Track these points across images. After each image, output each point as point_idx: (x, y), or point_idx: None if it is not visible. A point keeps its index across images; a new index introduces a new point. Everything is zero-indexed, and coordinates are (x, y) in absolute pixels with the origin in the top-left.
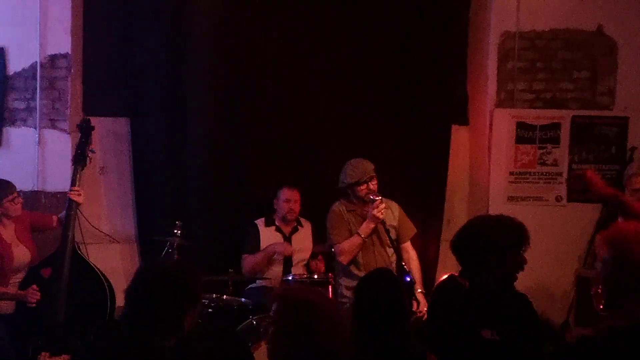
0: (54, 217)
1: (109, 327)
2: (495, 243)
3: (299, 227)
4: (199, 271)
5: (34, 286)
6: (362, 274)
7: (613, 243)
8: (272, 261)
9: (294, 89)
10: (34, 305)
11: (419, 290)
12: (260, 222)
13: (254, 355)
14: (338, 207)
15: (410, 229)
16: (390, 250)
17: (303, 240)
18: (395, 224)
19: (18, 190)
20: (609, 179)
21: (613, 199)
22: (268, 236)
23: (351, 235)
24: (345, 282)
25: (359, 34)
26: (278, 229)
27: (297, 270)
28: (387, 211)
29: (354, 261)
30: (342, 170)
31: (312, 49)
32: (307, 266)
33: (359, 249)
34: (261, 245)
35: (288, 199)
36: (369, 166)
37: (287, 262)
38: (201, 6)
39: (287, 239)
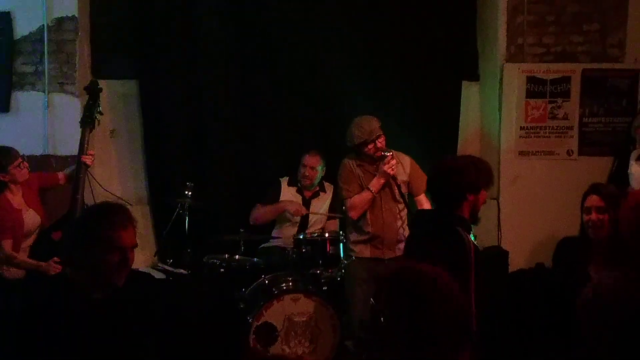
0: (60, 175)
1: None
2: (472, 182)
3: (320, 192)
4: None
5: (55, 259)
6: (370, 228)
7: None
8: (288, 223)
9: (307, 46)
10: None
11: None
12: (284, 180)
13: (266, 314)
14: (348, 162)
15: (424, 182)
16: (401, 205)
17: (322, 206)
18: (406, 179)
19: (28, 154)
20: (619, 132)
21: None
22: (288, 195)
23: (362, 189)
24: (353, 236)
25: None
26: (299, 191)
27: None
28: (398, 166)
29: (362, 215)
30: (348, 130)
31: (325, 3)
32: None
33: (369, 204)
34: (279, 200)
35: (305, 164)
36: (375, 124)
37: (303, 225)
38: None
39: (307, 201)
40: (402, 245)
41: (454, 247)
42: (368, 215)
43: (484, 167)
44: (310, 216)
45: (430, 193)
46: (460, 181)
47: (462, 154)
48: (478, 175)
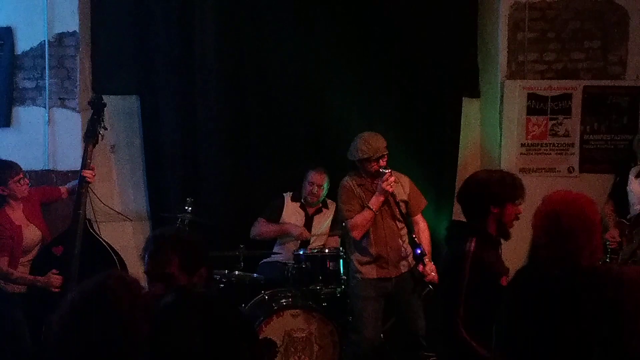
0: (62, 189)
1: None
2: (496, 195)
3: (323, 209)
4: None
5: (54, 270)
6: (373, 249)
7: None
8: (290, 238)
9: (305, 63)
10: (58, 290)
11: (427, 259)
12: (287, 195)
13: (265, 329)
14: (348, 181)
15: (421, 202)
16: (401, 224)
17: (324, 223)
18: (405, 198)
19: (29, 169)
20: (621, 149)
21: None
22: (291, 211)
23: (363, 209)
24: (357, 257)
25: (368, 6)
26: (302, 207)
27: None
28: (398, 185)
29: (365, 235)
30: (353, 143)
31: (322, 21)
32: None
33: (371, 223)
34: (282, 216)
35: (312, 182)
36: (382, 143)
37: (305, 242)
38: None
39: (310, 218)
40: (405, 262)
41: (455, 254)
42: (371, 236)
43: (511, 181)
44: (312, 234)
45: (459, 205)
46: (482, 193)
47: (490, 169)
48: (502, 189)
